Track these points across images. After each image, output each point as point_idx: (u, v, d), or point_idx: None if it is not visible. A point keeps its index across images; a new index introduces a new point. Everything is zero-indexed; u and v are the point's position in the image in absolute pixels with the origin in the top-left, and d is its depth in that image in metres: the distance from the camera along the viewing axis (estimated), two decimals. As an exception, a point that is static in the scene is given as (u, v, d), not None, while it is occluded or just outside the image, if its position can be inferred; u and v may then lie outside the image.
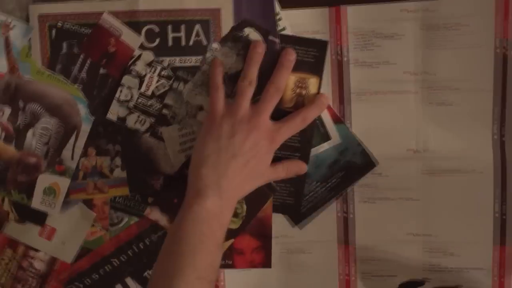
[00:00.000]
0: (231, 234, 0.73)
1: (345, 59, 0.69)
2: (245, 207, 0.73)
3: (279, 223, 0.74)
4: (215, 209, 0.62)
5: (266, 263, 0.75)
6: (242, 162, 0.64)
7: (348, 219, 0.73)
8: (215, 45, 0.68)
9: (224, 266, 0.74)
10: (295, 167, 0.70)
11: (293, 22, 0.68)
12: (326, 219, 0.73)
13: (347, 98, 0.70)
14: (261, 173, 0.67)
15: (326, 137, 0.71)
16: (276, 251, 0.75)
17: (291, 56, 0.67)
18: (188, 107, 0.70)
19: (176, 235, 0.62)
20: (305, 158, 0.71)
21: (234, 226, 0.73)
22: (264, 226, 0.73)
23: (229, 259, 0.75)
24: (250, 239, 0.74)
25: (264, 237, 0.74)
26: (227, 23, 0.68)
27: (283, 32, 0.68)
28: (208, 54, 0.68)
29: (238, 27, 0.68)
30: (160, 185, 0.71)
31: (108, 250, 0.74)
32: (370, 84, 0.70)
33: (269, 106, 0.66)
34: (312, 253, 0.75)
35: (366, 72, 0.70)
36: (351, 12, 0.68)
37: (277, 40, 0.68)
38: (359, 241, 0.74)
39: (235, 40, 0.68)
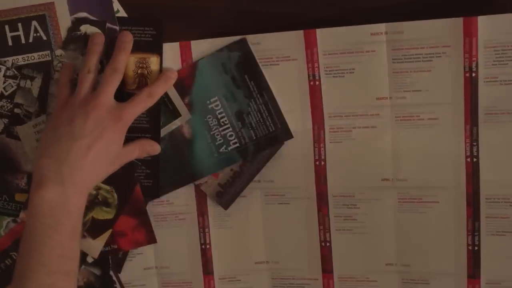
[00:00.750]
0: (107, 224, 0.73)
1: (473, 75, 0.65)
2: (115, 195, 0.73)
3: (389, 251, 0.72)
4: (58, 198, 0.62)
5: (150, 239, 0.75)
6: (85, 146, 0.63)
7: (475, 251, 0.70)
8: (58, 52, 0.69)
9: (111, 251, 0.74)
10: (147, 146, 0.70)
11: (420, 35, 0.65)
12: (455, 251, 0.70)
13: (476, 118, 0.66)
14: (113, 154, 0.66)
15: (176, 114, 0.71)
16: (397, 280, 0.73)
17: (126, 38, 0.68)
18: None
19: (24, 232, 0.62)
20: (156, 138, 0.71)
21: (109, 216, 0.73)
22: (136, 202, 0.73)
23: (113, 244, 0.74)
24: (127, 219, 0.74)
25: (140, 213, 0.74)
26: (63, 15, 0.69)
27: (117, 15, 0.69)
28: (55, 62, 0.69)
29: (74, 27, 0.69)
30: (25, 184, 0.72)
31: (5, 244, 0.74)
32: (503, 103, 0.65)
33: (109, 87, 0.66)
34: (439, 286, 0.72)
35: (499, 90, 0.65)
36: (484, 23, 0.64)
37: (116, 27, 0.69)
38: (487, 274, 0.70)
39: (76, 40, 0.69)
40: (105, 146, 0.65)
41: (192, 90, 0.70)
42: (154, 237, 0.75)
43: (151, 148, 0.71)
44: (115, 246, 0.75)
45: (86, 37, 0.68)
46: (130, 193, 0.73)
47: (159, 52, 0.69)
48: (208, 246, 0.75)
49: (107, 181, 0.71)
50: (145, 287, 0.76)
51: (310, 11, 0.69)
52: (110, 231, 0.74)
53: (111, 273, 0.76)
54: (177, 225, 0.75)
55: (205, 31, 0.69)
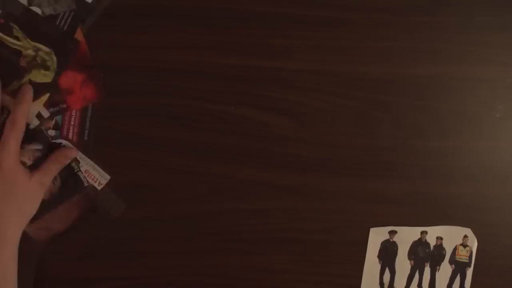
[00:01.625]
0: (44, 88, 0.72)
1: None
2: (54, 58, 0.72)
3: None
4: None
5: (98, 95, 0.73)
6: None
7: None
8: None
9: (59, 111, 0.73)
10: (62, 157, 0.71)
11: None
12: None
13: None
14: (36, 196, 0.68)
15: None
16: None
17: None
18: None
19: None
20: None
21: (47, 80, 0.72)
22: (82, 55, 0.72)
23: (62, 103, 0.73)
24: (75, 75, 0.73)
25: (87, 67, 0.72)
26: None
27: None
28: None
29: None
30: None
31: None
32: None
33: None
34: None
35: None
36: None
37: None
38: None
39: None
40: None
41: None
42: (102, 92, 0.73)
43: (66, 157, 0.71)
44: (64, 106, 0.73)
45: None
46: (70, 58, 0.72)
47: None
48: None
49: (46, 43, 0.71)
50: None
51: None
52: (47, 95, 0.72)
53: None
54: None
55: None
